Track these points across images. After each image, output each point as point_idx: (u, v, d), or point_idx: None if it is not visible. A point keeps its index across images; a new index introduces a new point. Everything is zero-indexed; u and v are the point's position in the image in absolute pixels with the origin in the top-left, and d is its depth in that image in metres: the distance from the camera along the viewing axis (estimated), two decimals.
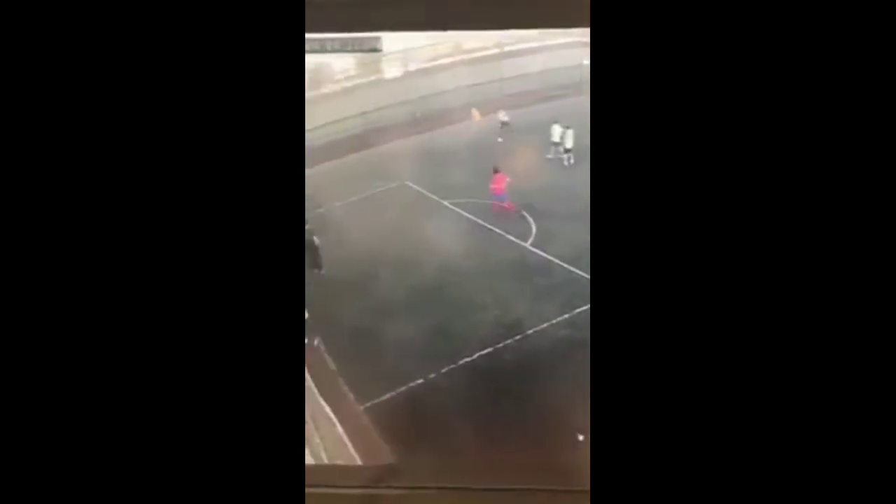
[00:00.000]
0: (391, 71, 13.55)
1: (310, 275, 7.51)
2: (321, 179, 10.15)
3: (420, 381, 5.83)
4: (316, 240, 7.42)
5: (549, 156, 10.52)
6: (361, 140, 13.24)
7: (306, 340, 6.51)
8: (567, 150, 10.30)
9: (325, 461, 4.67)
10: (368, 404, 5.97)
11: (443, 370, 5.97)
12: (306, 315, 6.83)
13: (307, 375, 5.10)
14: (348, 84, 11.33)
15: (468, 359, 6.07)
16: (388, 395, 6.07)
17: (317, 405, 5.13)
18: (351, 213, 9.88)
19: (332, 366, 5.88)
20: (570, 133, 10.25)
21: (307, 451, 4.67)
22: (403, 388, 6.01)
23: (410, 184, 10.33)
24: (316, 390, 5.19)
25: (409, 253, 7.80)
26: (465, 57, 10.58)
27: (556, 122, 10.24)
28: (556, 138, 10.42)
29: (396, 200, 10.09)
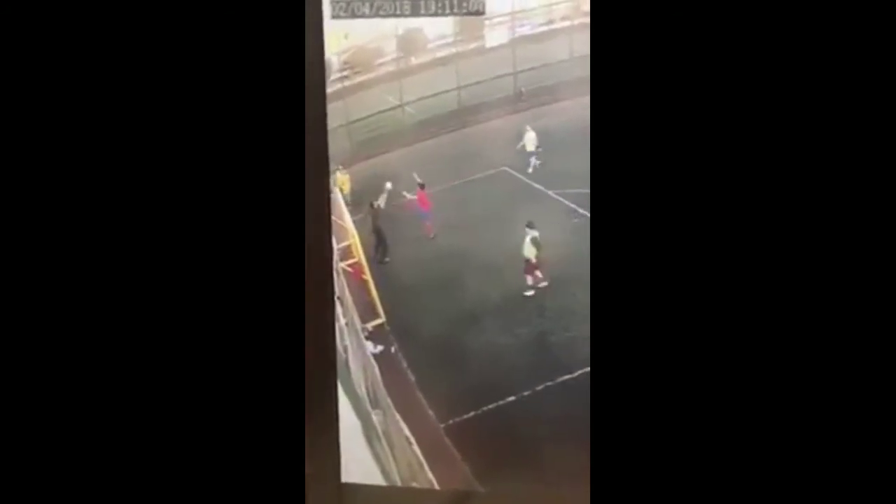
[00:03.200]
0: (495, 37, 13.49)
1: (377, 268, 7.84)
2: (410, 164, 10.42)
3: (511, 398, 5.95)
4: (388, 186, 7.93)
5: (531, 169, 10.04)
6: (457, 118, 13.37)
7: (381, 348, 6.84)
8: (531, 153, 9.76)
9: (399, 483, 4.90)
10: (450, 422, 5.76)
11: (538, 388, 5.85)
12: (382, 320, 7.17)
13: (382, 387, 5.37)
14: (444, 53, 11.42)
15: (568, 376, 5.86)
16: (472, 413, 5.81)
17: (392, 420, 5.33)
18: (440, 204, 10.08)
19: (411, 378, 6.11)
20: (533, 135, 9.63)
21: (378, 471, 4.94)
22: (491, 406, 5.91)
23: (510, 170, 10.48)
24: (391, 404, 5.32)
25: (504, 251, 7.94)
26: (586, 20, 10.54)
27: (527, 126, 9.65)
28: (532, 146, 9.83)
29: (493, 190, 10.24)
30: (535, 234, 7.19)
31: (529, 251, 7.19)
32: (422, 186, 8.82)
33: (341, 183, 8.60)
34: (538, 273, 7.11)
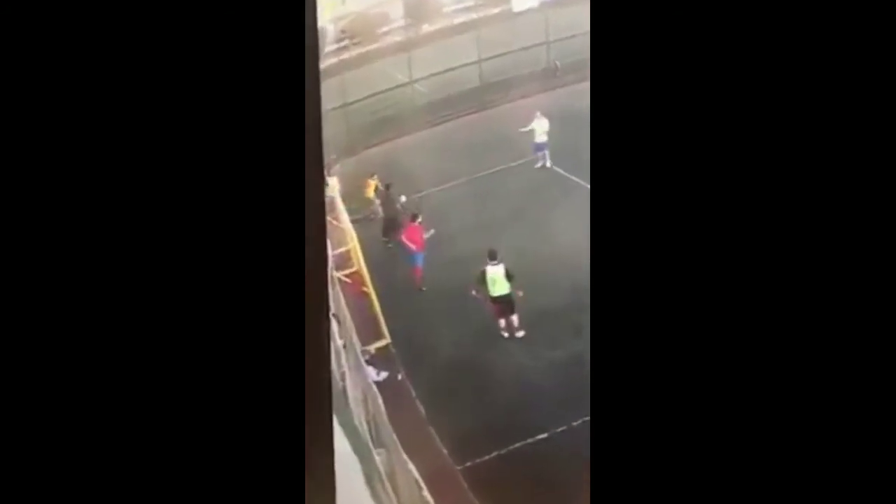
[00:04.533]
0: (523, 0, 13.15)
1: (382, 279, 7.67)
2: (421, 153, 10.10)
3: (542, 436, 5.74)
4: (403, 199, 7.80)
5: (539, 164, 10.13)
6: (479, 97, 13.04)
7: (385, 374, 6.68)
8: (539, 145, 10.00)
9: None
10: (468, 464, 5.71)
11: (575, 423, 5.69)
12: (387, 341, 7.04)
13: (386, 420, 5.24)
14: (462, 19, 11.21)
15: None
16: (495, 454, 5.77)
17: (398, 460, 5.16)
18: (460, 201, 9.76)
19: (421, 410, 5.95)
20: (544, 122, 9.92)
21: None
22: (518, 445, 5.73)
23: (546, 155, 10.20)
24: (398, 441, 5.20)
25: (535, 258, 7.78)
26: None
27: (538, 112, 9.96)
28: (541, 136, 9.91)
29: (521, 183, 9.99)
30: (500, 268, 6.73)
31: (498, 287, 6.71)
32: (414, 217, 8.20)
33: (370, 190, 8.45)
34: (514, 319, 6.75)
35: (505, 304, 6.53)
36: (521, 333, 6.46)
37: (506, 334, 6.43)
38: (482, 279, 6.50)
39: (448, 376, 5.78)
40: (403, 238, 7.59)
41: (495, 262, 6.49)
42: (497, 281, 6.45)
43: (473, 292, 6.63)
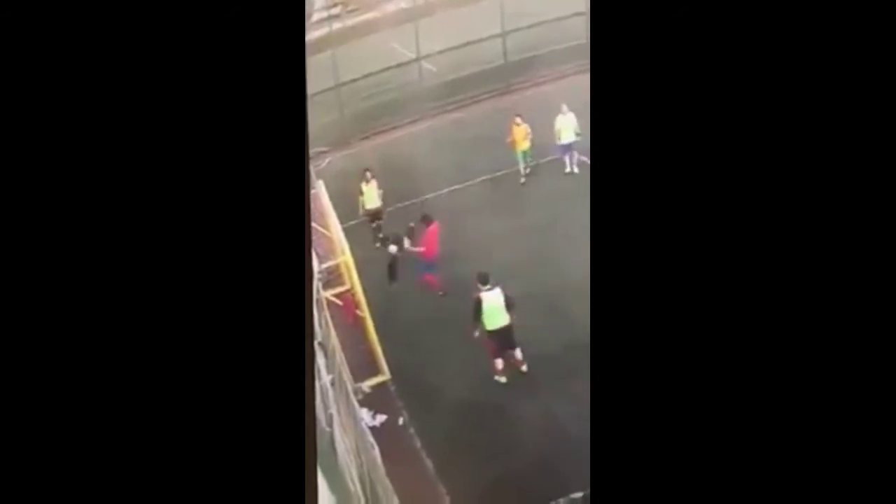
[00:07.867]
0: None
1: (385, 291, 7.64)
2: (429, 146, 10.06)
3: (577, 495, 5.66)
4: (393, 248, 7.69)
5: (569, 169, 10.21)
6: (501, 78, 13.08)
7: (383, 418, 6.61)
8: (567, 146, 10.05)
9: None
10: None
11: None
12: (385, 378, 6.94)
13: (384, 478, 5.16)
14: None
15: None
16: None
17: None
18: (476, 207, 9.85)
19: (428, 464, 5.92)
20: (571, 118, 9.95)
21: None
22: None
23: (577, 157, 10.60)
24: (399, 503, 5.20)
25: (565, 280, 7.65)
26: None
27: (564, 105, 10.02)
28: (569, 135, 9.98)
29: (550, 188, 10.13)
30: (496, 294, 6.63)
31: (495, 318, 6.63)
32: (427, 219, 8.31)
33: (366, 198, 8.35)
34: (517, 354, 6.70)
35: (504, 338, 6.48)
36: (524, 367, 6.45)
37: (503, 379, 6.41)
38: (478, 312, 6.43)
39: (461, 421, 5.70)
40: (420, 247, 7.68)
41: (488, 286, 6.40)
42: (494, 311, 6.39)
43: (476, 334, 6.54)
